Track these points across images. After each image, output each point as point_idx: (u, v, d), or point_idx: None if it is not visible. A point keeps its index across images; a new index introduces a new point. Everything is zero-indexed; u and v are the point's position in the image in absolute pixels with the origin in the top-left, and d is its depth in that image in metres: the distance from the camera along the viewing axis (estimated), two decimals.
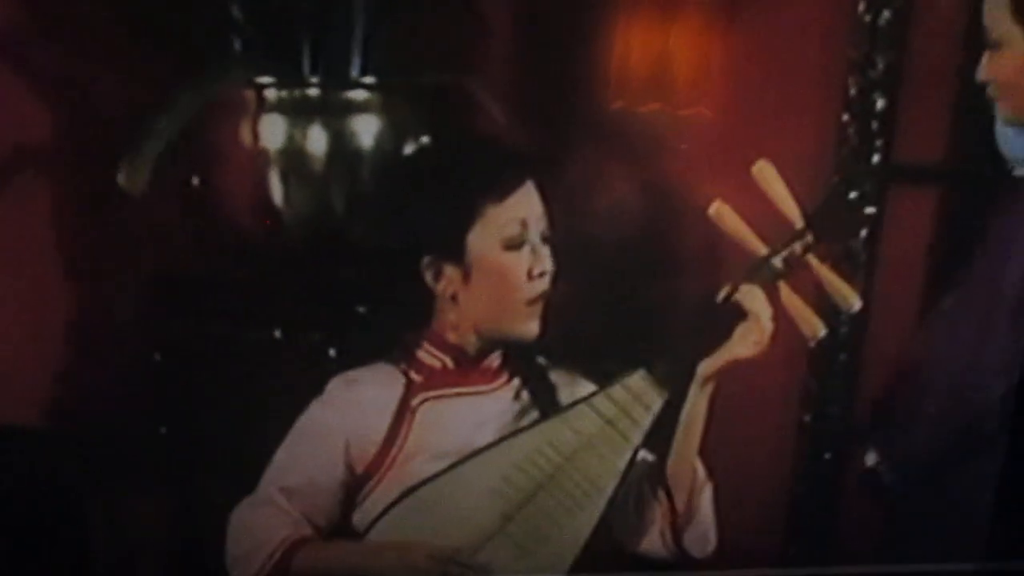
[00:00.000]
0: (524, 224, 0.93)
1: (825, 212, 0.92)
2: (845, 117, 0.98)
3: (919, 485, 1.06)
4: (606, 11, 0.96)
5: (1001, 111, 0.95)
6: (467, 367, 0.96)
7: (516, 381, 0.98)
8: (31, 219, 0.95)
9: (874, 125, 0.99)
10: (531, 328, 0.95)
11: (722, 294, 0.92)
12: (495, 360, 0.97)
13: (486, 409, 0.97)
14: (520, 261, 0.93)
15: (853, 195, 0.94)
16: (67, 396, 1.00)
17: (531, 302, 0.94)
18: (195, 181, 0.95)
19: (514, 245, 0.93)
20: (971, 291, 1.00)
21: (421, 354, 0.98)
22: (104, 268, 0.97)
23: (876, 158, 0.98)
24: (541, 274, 0.94)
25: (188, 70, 0.94)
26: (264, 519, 0.94)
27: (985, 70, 0.93)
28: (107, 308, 0.98)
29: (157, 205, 0.96)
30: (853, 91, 0.97)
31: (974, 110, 0.98)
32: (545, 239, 0.94)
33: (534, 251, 0.94)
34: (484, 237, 0.93)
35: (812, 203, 0.90)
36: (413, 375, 0.97)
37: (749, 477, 1.03)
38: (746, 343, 0.92)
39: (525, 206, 0.93)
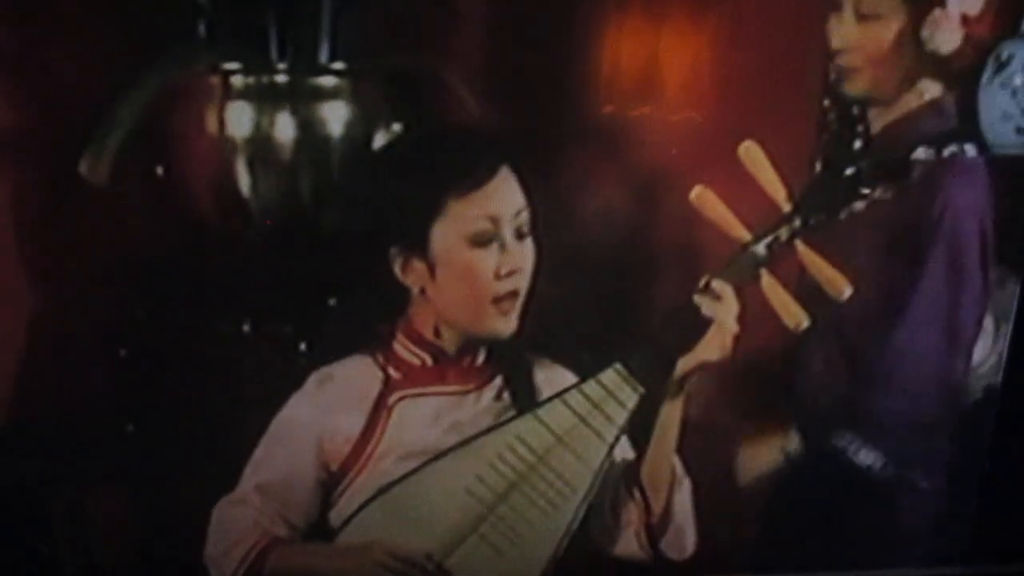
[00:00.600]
0: (494, 221, 0.90)
1: (815, 193, 0.90)
2: (826, 102, 0.96)
3: (899, 470, 1.03)
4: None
5: (852, 83, 0.92)
6: (446, 365, 0.94)
7: (498, 380, 0.95)
8: None
9: (855, 110, 0.97)
10: (502, 326, 0.92)
11: (701, 284, 0.90)
12: (477, 358, 0.95)
13: (465, 409, 0.95)
14: (486, 259, 0.91)
15: (848, 172, 0.92)
16: (29, 393, 0.97)
17: (497, 300, 0.91)
18: (159, 170, 0.93)
19: (480, 242, 0.90)
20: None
21: (399, 349, 0.96)
22: (66, 260, 0.95)
23: (858, 144, 0.96)
24: (510, 273, 0.91)
25: (151, 55, 0.91)
26: (239, 518, 0.93)
27: (847, 40, 0.90)
28: (70, 302, 0.95)
29: (120, 195, 0.93)
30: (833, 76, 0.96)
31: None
32: (522, 235, 0.91)
33: (504, 249, 0.91)
34: (449, 232, 0.90)
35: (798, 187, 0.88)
36: (391, 371, 0.95)
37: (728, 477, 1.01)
38: (711, 347, 0.90)
39: (496, 201, 0.90)
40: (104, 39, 0.90)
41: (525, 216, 0.92)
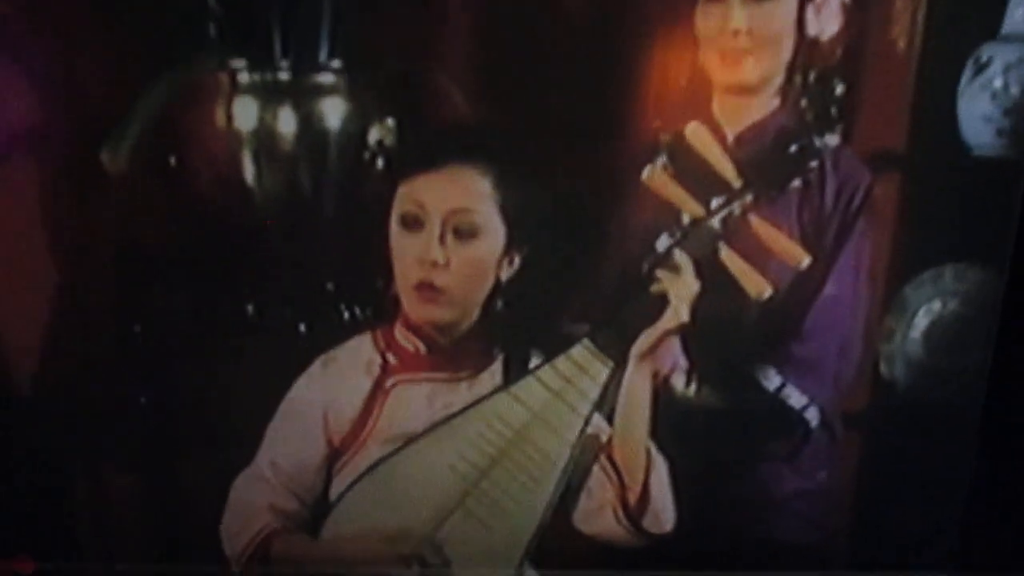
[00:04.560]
0: (421, 207, 0.94)
1: (763, 168, 0.93)
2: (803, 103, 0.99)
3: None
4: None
5: (747, 70, 0.93)
6: (439, 354, 0.99)
7: (494, 367, 1.00)
8: (16, 198, 1.00)
9: (833, 110, 0.99)
10: (428, 313, 0.96)
11: (661, 256, 0.94)
12: (473, 347, 0.98)
13: (459, 395, 1.00)
14: (411, 243, 0.95)
15: (793, 148, 0.94)
16: (52, 367, 1.04)
17: (418, 288, 0.95)
18: (172, 161, 0.99)
19: (407, 224, 0.95)
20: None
21: (397, 335, 1.00)
22: (87, 243, 1.02)
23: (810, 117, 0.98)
24: (431, 264, 0.94)
25: (166, 55, 0.97)
26: (256, 496, 1.00)
27: (738, 19, 0.91)
28: (89, 281, 1.02)
29: (137, 183, 1.00)
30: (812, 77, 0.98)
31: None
32: (461, 234, 0.95)
33: (430, 239, 0.95)
34: (395, 211, 0.95)
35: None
36: (390, 357, 0.99)
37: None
38: (673, 318, 0.93)
39: (431, 191, 0.95)
40: (124, 41, 0.97)
41: (470, 219, 0.95)
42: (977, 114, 0.99)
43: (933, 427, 1.06)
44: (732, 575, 1.07)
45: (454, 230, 0.96)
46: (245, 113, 0.98)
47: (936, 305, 1.03)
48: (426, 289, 0.97)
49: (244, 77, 0.98)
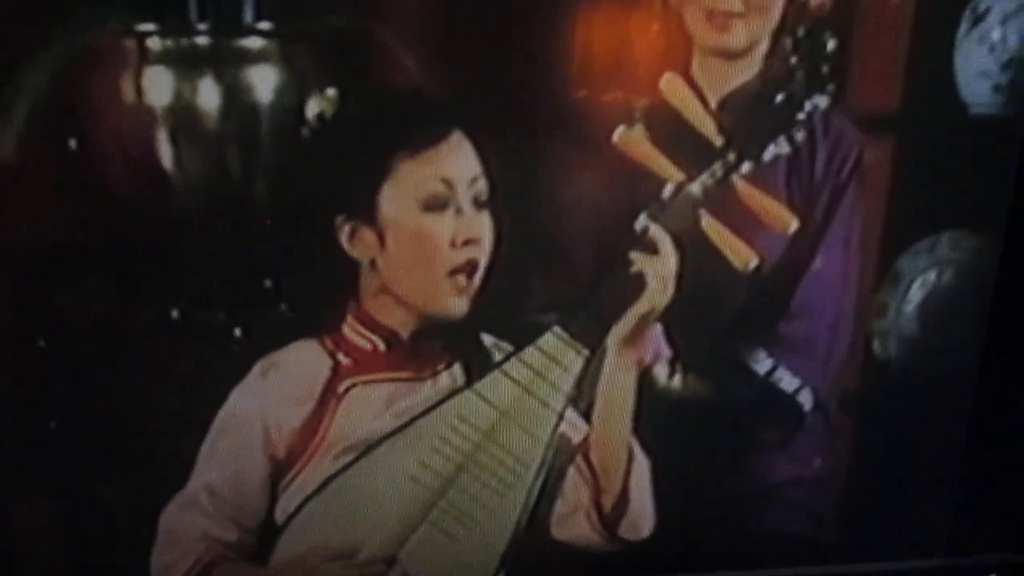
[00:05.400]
0: (448, 184, 0.84)
1: (747, 127, 0.86)
2: (793, 60, 0.91)
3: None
4: None
5: (736, 33, 0.86)
6: (400, 351, 0.88)
7: (458, 366, 0.90)
8: None
9: (824, 68, 0.91)
10: (455, 305, 0.87)
11: (637, 233, 0.86)
12: (435, 344, 0.89)
13: (421, 397, 0.90)
14: (441, 225, 0.85)
15: (779, 98, 0.87)
16: None
17: (453, 273, 0.86)
18: (72, 144, 0.85)
19: (434, 206, 0.84)
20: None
21: (348, 332, 0.90)
22: None
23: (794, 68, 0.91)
24: (467, 242, 0.85)
25: (57, 15, 0.83)
26: (189, 526, 0.90)
27: None
28: None
29: (30, 171, 0.86)
30: (801, 32, 0.90)
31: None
32: (480, 204, 0.85)
33: (460, 215, 0.85)
34: (400, 194, 0.84)
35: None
36: (341, 357, 0.89)
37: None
38: (651, 300, 0.85)
39: (451, 163, 0.85)
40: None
41: (483, 185, 0.86)
42: (974, 69, 0.93)
43: (927, 406, 1.01)
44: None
45: (474, 200, 0.86)
46: (158, 85, 0.85)
47: (931, 276, 0.98)
48: (462, 273, 0.86)
49: (155, 42, 0.84)
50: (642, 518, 0.95)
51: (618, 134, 0.87)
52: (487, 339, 0.92)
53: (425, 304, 0.88)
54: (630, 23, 0.87)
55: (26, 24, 0.82)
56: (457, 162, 0.85)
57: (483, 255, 0.87)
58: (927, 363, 1.00)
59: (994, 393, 1.00)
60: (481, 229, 0.87)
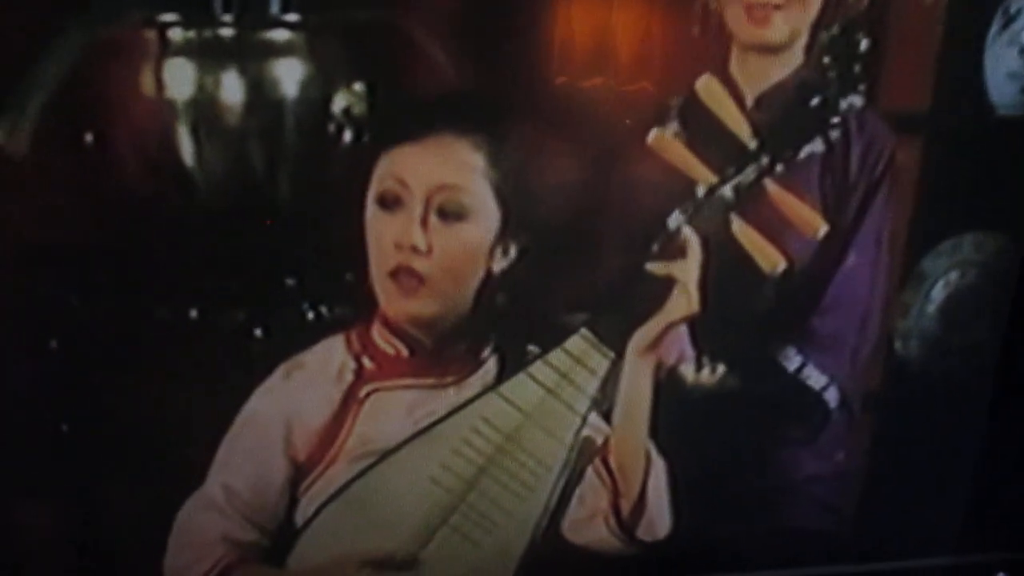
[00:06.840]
0: (402, 184, 0.83)
1: (781, 129, 0.85)
2: (826, 60, 0.90)
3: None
4: None
5: (776, 27, 0.86)
6: (424, 357, 0.87)
7: (483, 370, 0.89)
8: None
9: (857, 67, 0.90)
10: (405, 306, 0.85)
11: (669, 233, 0.86)
12: (459, 349, 0.88)
13: (444, 402, 0.89)
14: (387, 224, 0.83)
15: (814, 108, 0.87)
16: None
17: (393, 275, 0.84)
18: (88, 138, 0.82)
19: (387, 203, 0.83)
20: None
21: (375, 336, 0.88)
22: None
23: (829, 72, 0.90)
24: (410, 248, 0.83)
25: (76, 4, 0.79)
26: (206, 527, 0.88)
27: None
28: None
29: (44, 167, 0.82)
30: (835, 31, 0.89)
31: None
32: (446, 215, 0.84)
33: (412, 219, 0.83)
34: (372, 187, 0.84)
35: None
36: (365, 361, 0.88)
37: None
38: (678, 306, 0.84)
39: (413, 165, 0.83)
40: None
41: (460, 197, 0.84)
42: (1003, 70, 0.93)
43: (944, 405, 1.01)
44: None
45: (439, 210, 0.84)
46: (179, 79, 0.82)
47: (953, 276, 0.98)
48: (404, 277, 0.85)
49: (177, 34, 0.81)
50: (659, 519, 0.94)
51: (652, 136, 0.86)
52: (513, 342, 0.90)
53: (383, 302, 0.87)
54: (669, 24, 0.85)
55: (43, 14, 0.78)
56: (423, 165, 0.84)
57: (428, 265, 0.85)
58: (946, 363, 1.00)
59: (1010, 394, 1.01)
60: (433, 240, 0.84)
